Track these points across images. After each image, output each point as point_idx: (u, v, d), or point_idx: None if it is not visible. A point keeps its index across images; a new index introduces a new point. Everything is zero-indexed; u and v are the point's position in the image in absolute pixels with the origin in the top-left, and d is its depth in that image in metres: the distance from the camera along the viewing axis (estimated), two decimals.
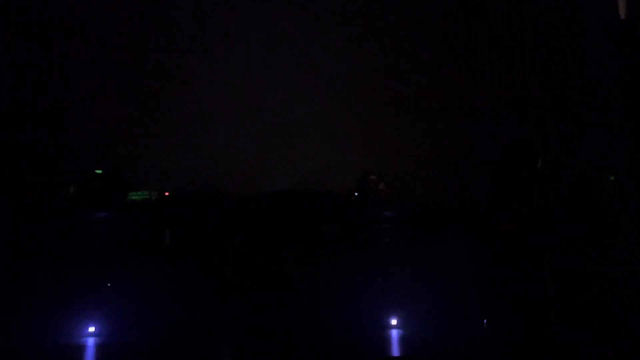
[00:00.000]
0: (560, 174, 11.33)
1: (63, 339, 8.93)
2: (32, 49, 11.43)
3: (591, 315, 9.40)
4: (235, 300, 9.70)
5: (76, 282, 9.60)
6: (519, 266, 10.31)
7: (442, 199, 11.21)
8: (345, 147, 11.81)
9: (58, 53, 11.40)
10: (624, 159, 11.27)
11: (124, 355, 8.85)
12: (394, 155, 11.72)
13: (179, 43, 11.75)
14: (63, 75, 11.48)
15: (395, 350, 9.24)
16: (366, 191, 11.70)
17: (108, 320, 9.17)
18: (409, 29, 11.94)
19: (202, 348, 8.96)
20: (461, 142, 11.64)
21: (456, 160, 11.60)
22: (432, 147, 11.63)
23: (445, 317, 9.50)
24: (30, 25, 11.39)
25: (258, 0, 11.91)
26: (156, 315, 9.42)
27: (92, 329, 9.10)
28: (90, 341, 9.02)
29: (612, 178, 11.25)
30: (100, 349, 8.98)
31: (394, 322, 9.49)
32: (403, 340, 9.33)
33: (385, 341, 9.32)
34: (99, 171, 11.23)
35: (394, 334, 9.41)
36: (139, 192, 11.45)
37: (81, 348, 8.95)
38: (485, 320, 9.59)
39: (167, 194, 11.55)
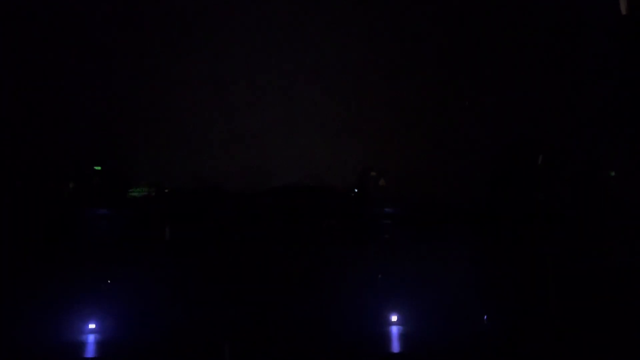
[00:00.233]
0: (560, 170, 11.33)
1: (63, 336, 8.93)
2: (29, 45, 11.38)
3: (592, 312, 9.41)
4: (235, 296, 9.68)
5: (76, 279, 9.57)
6: (520, 262, 10.31)
7: (443, 195, 11.20)
8: (345, 143, 11.79)
9: (56, 49, 11.35)
10: (625, 155, 11.27)
11: (125, 352, 8.85)
12: (395, 151, 11.70)
13: (179, 38, 11.71)
14: (61, 72, 11.43)
15: (396, 347, 9.26)
16: (366, 187, 11.67)
17: (108, 317, 9.16)
18: (409, 25, 11.92)
19: (203, 344, 8.96)
20: (462, 138, 11.62)
21: (457, 156, 11.58)
22: (432, 143, 11.62)
23: (446, 314, 9.51)
24: (28, 21, 11.33)
25: None
26: (157, 312, 9.41)
27: (92, 326, 9.10)
28: (91, 338, 9.02)
29: (613, 174, 11.25)
30: (101, 345, 8.98)
31: (394, 318, 9.50)
32: (403, 336, 9.34)
33: (386, 338, 9.33)
34: (98, 167, 11.18)
35: (394, 330, 9.42)
36: (138, 189, 11.41)
37: (81, 345, 8.94)
38: (485, 317, 9.60)
39: (166, 190, 11.51)
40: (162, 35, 11.69)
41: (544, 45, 11.69)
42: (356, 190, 11.71)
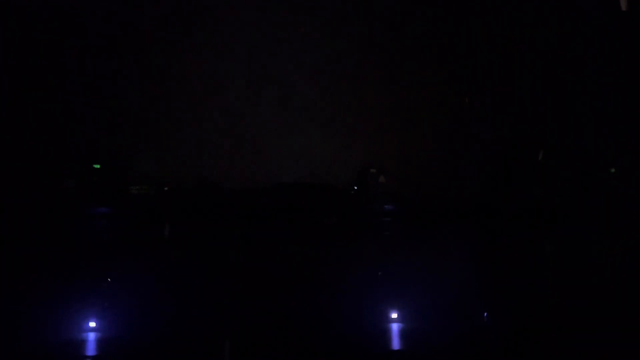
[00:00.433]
0: (561, 167, 11.32)
1: (63, 334, 8.94)
2: (29, 44, 11.38)
3: (593, 309, 9.41)
4: (235, 294, 9.69)
5: (75, 277, 9.58)
6: (520, 259, 10.31)
7: (443, 192, 11.19)
8: (345, 141, 11.78)
9: (56, 49, 11.35)
10: (625, 151, 11.26)
11: (125, 351, 8.85)
12: (394, 149, 11.69)
13: (178, 38, 11.70)
14: (61, 71, 11.43)
15: (396, 344, 9.26)
16: (366, 185, 11.67)
17: (108, 315, 9.17)
18: (408, 22, 11.90)
19: (203, 341, 8.97)
20: (462, 136, 11.61)
21: (457, 153, 11.58)
22: (432, 140, 11.60)
23: (446, 311, 9.51)
24: (28, 20, 11.33)
25: None
26: (156, 310, 9.41)
27: (92, 324, 9.10)
28: (91, 336, 9.02)
29: (613, 171, 11.24)
30: (101, 344, 8.98)
31: (394, 315, 9.50)
32: (403, 333, 9.35)
33: (386, 335, 9.34)
34: (98, 166, 11.18)
35: (395, 327, 9.43)
36: (137, 187, 11.41)
37: (82, 343, 8.95)
38: (485, 314, 9.60)
39: (166, 188, 11.51)
40: (162, 34, 11.69)
41: (544, 42, 11.68)
42: (356, 188, 11.71)
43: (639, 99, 11.24)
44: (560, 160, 11.42)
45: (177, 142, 11.72)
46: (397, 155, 11.68)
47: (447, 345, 8.93)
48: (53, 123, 11.32)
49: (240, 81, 11.97)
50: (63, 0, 11.44)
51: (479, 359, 8.82)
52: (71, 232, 10.52)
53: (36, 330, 8.86)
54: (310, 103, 11.98)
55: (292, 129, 11.92)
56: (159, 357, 8.72)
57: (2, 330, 8.77)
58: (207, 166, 11.61)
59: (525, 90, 11.57)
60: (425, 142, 11.66)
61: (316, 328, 9.29)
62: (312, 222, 11.14)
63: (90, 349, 8.87)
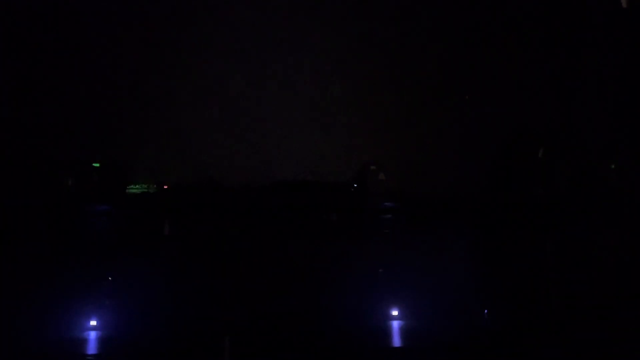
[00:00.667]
0: (561, 163, 11.29)
1: (64, 333, 8.96)
2: (29, 43, 11.38)
3: (593, 304, 9.40)
4: (236, 291, 9.70)
5: (76, 276, 9.59)
6: (521, 256, 10.29)
7: (443, 189, 11.18)
8: (345, 138, 11.77)
9: (56, 47, 11.35)
10: (625, 147, 11.23)
11: (126, 349, 8.87)
12: (394, 146, 11.68)
13: (178, 35, 11.69)
14: (60, 69, 11.44)
15: (397, 341, 9.27)
16: (366, 182, 11.66)
17: (109, 313, 9.19)
18: (408, 18, 11.87)
19: (204, 338, 8.98)
20: (462, 132, 11.59)
21: (457, 150, 11.56)
22: (432, 136, 11.58)
23: (446, 308, 9.51)
24: (28, 19, 11.34)
25: None
26: (157, 308, 9.43)
27: (93, 323, 9.12)
28: (92, 334, 9.04)
29: (613, 167, 11.21)
30: (102, 342, 9.00)
31: (395, 312, 9.51)
32: (404, 330, 9.35)
33: (386, 332, 9.34)
34: (97, 164, 11.19)
35: (395, 324, 9.43)
36: (137, 185, 11.42)
37: (83, 341, 8.97)
38: (486, 311, 9.60)
39: (165, 186, 11.52)
40: (162, 32, 11.67)
41: (545, 38, 11.64)
42: (356, 185, 11.70)
43: (638, 96, 11.21)
44: (560, 156, 11.40)
45: (177, 141, 11.73)
46: (397, 153, 11.66)
47: (447, 342, 8.94)
48: (53, 122, 11.33)
49: (241, 80, 11.97)
50: (63, 0, 11.43)
51: (479, 355, 8.82)
52: (71, 230, 10.52)
53: (37, 328, 8.88)
54: (310, 101, 11.98)
55: (292, 127, 11.91)
56: (159, 354, 8.75)
57: (3, 328, 8.79)
58: (207, 164, 11.62)
59: (525, 88, 11.54)
60: (425, 140, 11.64)
61: (317, 325, 9.30)
62: (313, 219, 11.14)
63: (91, 347, 8.90)
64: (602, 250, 10.09)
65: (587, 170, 11.24)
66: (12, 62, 11.28)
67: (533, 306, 9.60)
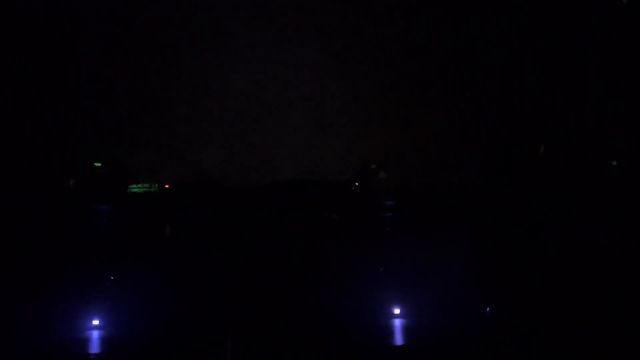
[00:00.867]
0: (562, 161, 11.31)
1: (66, 333, 8.95)
2: (29, 43, 11.37)
3: (594, 302, 9.41)
4: (237, 291, 9.70)
5: (78, 276, 9.58)
6: (522, 253, 10.30)
7: (444, 187, 11.19)
8: (344, 137, 11.78)
9: (56, 46, 11.34)
10: (626, 144, 11.26)
11: (128, 348, 8.87)
12: (394, 144, 11.69)
13: (178, 35, 11.69)
14: (61, 68, 11.43)
15: (398, 340, 9.27)
16: (367, 180, 11.67)
17: (111, 313, 9.18)
18: (408, 18, 11.88)
19: (206, 338, 8.98)
20: (462, 130, 11.61)
21: (457, 148, 11.57)
22: (433, 135, 11.60)
23: (448, 306, 9.52)
24: (28, 19, 11.33)
25: None
26: (159, 308, 9.43)
27: (95, 322, 9.12)
28: (94, 334, 9.04)
29: (615, 163, 11.24)
30: (103, 342, 9.00)
31: (396, 311, 9.51)
32: (406, 329, 9.35)
33: (388, 330, 9.35)
34: (98, 164, 11.18)
35: (397, 323, 9.44)
36: (139, 185, 11.42)
37: (84, 342, 8.96)
38: (488, 309, 9.61)
39: (167, 186, 11.52)
40: (162, 31, 11.67)
41: (545, 35, 11.66)
42: (356, 184, 11.71)
43: (639, 95, 11.24)
44: (561, 154, 11.42)
45: (178, 140, 11.73)
46: (398, 151, 11.67)
47: (450, 339, 8.94)
48: (53, 121, 11.33)
49: (240, 78, 11.97)
50: (63, 0, 11.43)
51: (481, 354, 8.82)
52: (73, 230, 10.51)
53: (38, 329, 8.87)
54: (310, 101, 11.98)
55: (292, 126, 11.92)
56: (161, 355, 8.74)
57: (3, 329, 8.78)
58: (208, 164, 11.62)
59: (526, 87, 11.56)
60: (426, 138, 11.65)
61: (318, 324, 9.30)
62: (313, 218, 11.14)
63: (93, 347, 8.89)
64: (604, 246, 10.11)
65: (588, 168, 11.27)
66: (12, 62, 11.28)
67: (535, 303, 9.61)
